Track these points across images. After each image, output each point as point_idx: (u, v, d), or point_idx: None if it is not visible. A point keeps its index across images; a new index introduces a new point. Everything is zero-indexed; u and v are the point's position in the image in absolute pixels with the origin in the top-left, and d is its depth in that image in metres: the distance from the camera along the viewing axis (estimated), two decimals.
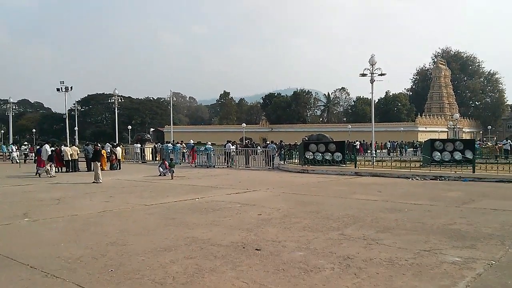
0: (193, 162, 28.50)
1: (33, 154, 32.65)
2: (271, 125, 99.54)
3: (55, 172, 21.62)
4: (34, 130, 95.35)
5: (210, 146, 29.30)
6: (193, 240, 7.42)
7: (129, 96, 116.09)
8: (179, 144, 33.10)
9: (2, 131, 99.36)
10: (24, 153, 36.60)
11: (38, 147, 25.96)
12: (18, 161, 32.73)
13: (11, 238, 7.90)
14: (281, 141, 40.87)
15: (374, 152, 31.59)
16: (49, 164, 20.94)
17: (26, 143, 43.19)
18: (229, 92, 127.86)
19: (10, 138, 63.87)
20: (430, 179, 18.19)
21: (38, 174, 20.96)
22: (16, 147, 37.24)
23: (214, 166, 27.03)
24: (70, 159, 23.82)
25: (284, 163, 25.74)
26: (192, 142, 33.83)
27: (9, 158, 34.76)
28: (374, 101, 36.77)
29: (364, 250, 6.65)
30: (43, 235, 8.11)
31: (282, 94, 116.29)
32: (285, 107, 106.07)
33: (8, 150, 36.70)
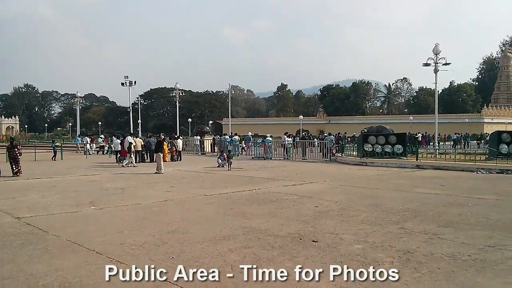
0: (265, 153, 28.24)
1: (108, 146, 34.19)
2: (329, 117, 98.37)
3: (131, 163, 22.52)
4: (100, 123, 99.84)
5: (269, 138, 29.33)
6: (251, 230, 7.54)
7: (189, 90, 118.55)
8: (236, 137, 33.51)
9: (70, 124, 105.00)
10: (100, 145, 38.28)
11: (115, 139, 27.21)
12: (91, 153, 34.62)
13: (78, 225, 8.34)
14: (338, 133, 40.29)
15: (437, 144, 30.48)
16: (128, 155, 22.43)
17: (102, 136, 45.17)
18: (287, 85, 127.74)
19: (78, 130, 67.06)
20: (496, 173, 17.37)
21: (121, 164, 22.60)
22: (90, 139, 39.07)
23: (271, 158, 27.14)
24: (134, 150, 24.76)
25: (342, 155, 25.43)
26: (251, 134, 34.15)
27: (83, 150, 36.48)
28: (438, 91, 35.44)
29: (425, 245, 6.49)
30: (108, 223, 8.52)
31: (340, 86, 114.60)
32: (343, 99, 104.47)
33: (83, 141, 38.67)
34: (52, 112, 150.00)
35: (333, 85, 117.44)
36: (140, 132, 62.73)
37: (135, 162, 22.82)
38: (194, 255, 6.06)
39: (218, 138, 34.54)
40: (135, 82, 54.28)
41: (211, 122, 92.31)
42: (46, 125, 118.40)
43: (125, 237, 7.21)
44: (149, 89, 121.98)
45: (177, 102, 46.90)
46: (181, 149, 27.93)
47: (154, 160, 20.83)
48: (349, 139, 36.59)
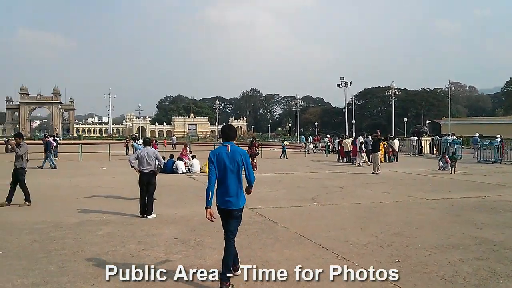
0: (494, 156, 25.65)
1: (332, 145, 35.66)
2: None
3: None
4: (316, 123, 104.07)
5: (498, 139, 26.26)
6: (483, 241, 6.89)
7: (404, 88, 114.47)
8: (454, 137, 30.92)
9: (290, 124, 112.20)
10: (326, 144, 40.15)
11: (337, 139, 28.50)
12: (315, 152, 36.82)
13: (303, 219, 8.86)
14: None
15: None
16: (359, 154, 23.29)
17: (328, 135, 47.35)
18: None
19: (296, 131, 71.25)
20: None
21: (353, 163, 23.53)
22: (316, 138, 41.61)
23: (500, 162, 24.26)
24: (349, 150, 25.21)
25: None
26: (478, 134, 31.25)
27: (306, 148, 38.94)
28: None
29: None
30: (330, 219, 8.82)
31: None
32: None
33: (307, 141, 41.41)
34: (274, 113, 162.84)
35: None
36: (354, 132, 63.33)
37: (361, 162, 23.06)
38: (421, 261, 5.84)
39: (437, 138, 32.45)
40: (350, 82, 54.97)
41: (428, 121, 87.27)
42: (269, 125, 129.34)
43: (348, 234, 7.38)
44: (363, 89, 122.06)
45: (393, 101, 45.85)
46: (397, 150, 27.19)
47: (371, 160, 20.76)
48: None
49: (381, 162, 20.61)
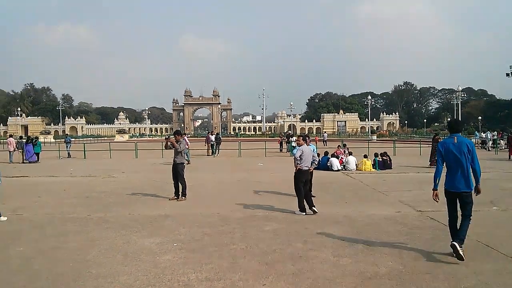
0: None
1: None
2: None
3: None
4: (480, 118, 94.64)
5: None
6: None
7: None
8: None
9: (448, 119, 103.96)
10: (494, 139, 36.60)
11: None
12: (489, 149, 33.83)
13: (484, 225, 7.67)
14: None
15: None
16: None
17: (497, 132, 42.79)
18: None
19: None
20: None
21: None
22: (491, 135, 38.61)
23: None
24: None
25: None
26: None
27: (486, 146, 36.04)
28: None
29: None
30: None
31: None
32: None
33: (485, 136, 38.57)
34: (430, 108, 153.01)
35: None
36: None
37: None
38: None
39: None
40: None
41: None
42: (424, 120, 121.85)
43: None
44: None
45: None
46: None
47: None
48: None
49: None
